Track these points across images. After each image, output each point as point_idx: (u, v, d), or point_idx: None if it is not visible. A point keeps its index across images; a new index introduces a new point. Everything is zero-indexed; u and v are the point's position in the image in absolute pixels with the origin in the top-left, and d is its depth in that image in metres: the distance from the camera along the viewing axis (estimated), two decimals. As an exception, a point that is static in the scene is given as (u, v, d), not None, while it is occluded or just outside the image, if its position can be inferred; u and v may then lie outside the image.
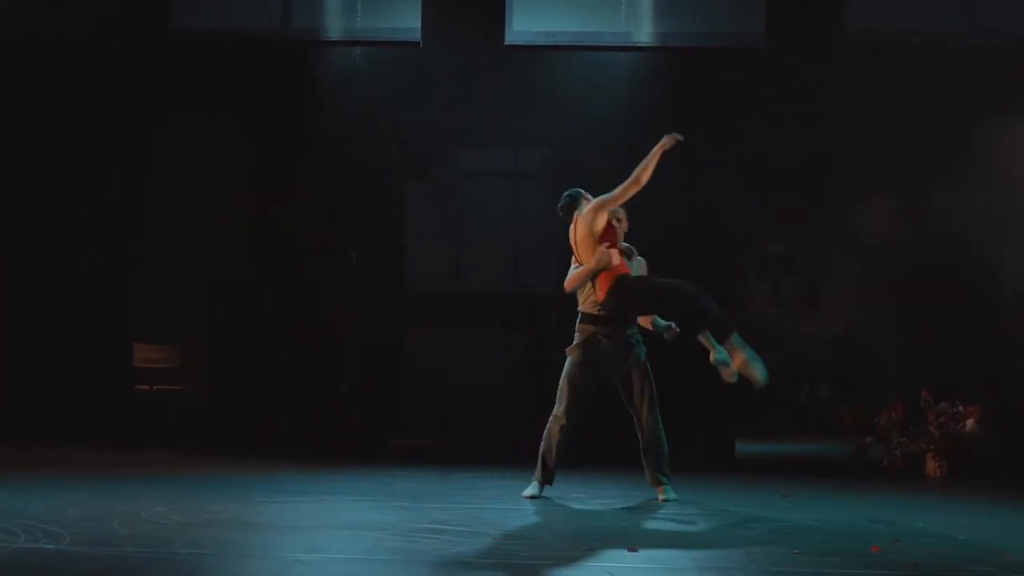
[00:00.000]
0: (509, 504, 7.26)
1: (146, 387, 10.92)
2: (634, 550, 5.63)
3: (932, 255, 10.31)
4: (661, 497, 7.39)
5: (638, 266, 7.53)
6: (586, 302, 7.42)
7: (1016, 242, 10.07)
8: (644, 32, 9.86)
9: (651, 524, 6.61)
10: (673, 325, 7.40)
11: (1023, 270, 9.90)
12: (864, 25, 9.70)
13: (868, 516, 7.03)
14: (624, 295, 7.06)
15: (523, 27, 9.77)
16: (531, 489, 7.41)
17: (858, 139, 10.63)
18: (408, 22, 9.82)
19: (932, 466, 9.54)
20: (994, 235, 10.12)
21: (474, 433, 10.73)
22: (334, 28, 9.99)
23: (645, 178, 7.09)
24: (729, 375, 6.96)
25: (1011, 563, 5.62)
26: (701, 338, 6.99)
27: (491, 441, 10.57)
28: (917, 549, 5.92)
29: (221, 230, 10.83)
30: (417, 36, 9.83)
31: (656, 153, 7.10)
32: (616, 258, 7.12)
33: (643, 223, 9.98)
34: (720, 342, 6.93)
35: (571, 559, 5.49)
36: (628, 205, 7.31)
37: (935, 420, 9.46)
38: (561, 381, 7.42)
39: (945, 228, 10.11)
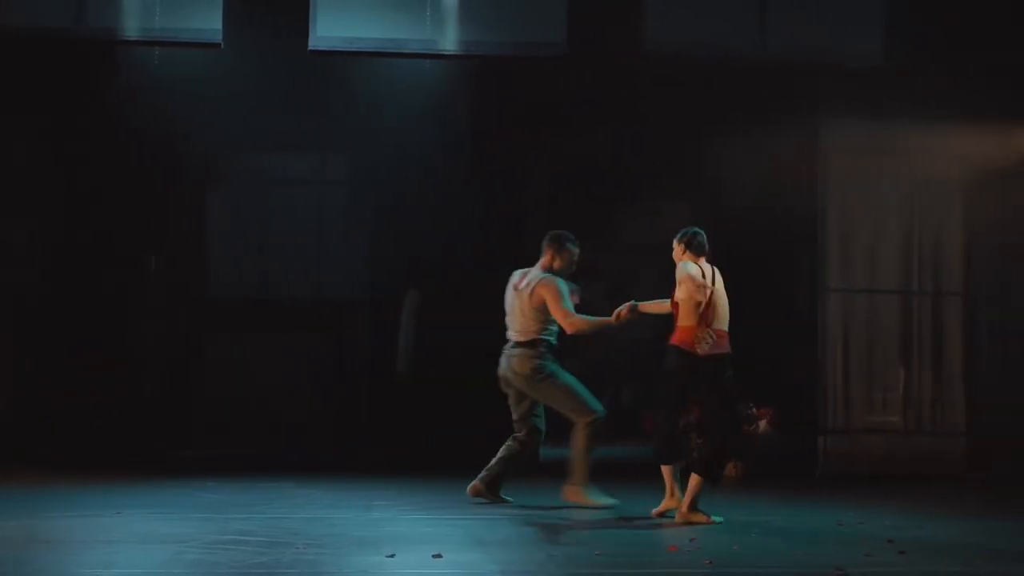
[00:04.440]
0: (313, 513, 7.19)
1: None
2: (439, 556, 5.65)
3: (725, 262, 10.62)
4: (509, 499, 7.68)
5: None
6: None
7: (799, 250, 10.48)
8: (449, 40, 9.88)
9: (455, 529, 6.63)
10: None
11: (807, 276, 10.31)
12: (662, 37, 9.94)
13: (667, 516, 7.21)
14: None
15: (327, 32, 9.67)
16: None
17: (660, 148, 10.88)
18: (209, 23, 9.60)
19: (728, 466, 9.85)
20: (782, 243, 10.50)
21: (278, 440, 10.59)
22: (131, 27, 9.68)
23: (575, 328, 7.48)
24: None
25: (803, 560, 5.85)
26: None
27: (296, 448, 10.45)
28: (713, 547, 6.10)
29: (14, 236, 10.37)
30: (218, 38, 9.62)
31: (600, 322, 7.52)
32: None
33: (446, 231, 10.09)
34: None
35: (376, 566, 5.47)
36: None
37: (730, 422, 9.76)
38: (571, 393, 7.71)
39: (734, 236, 10.43)
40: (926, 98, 9.94)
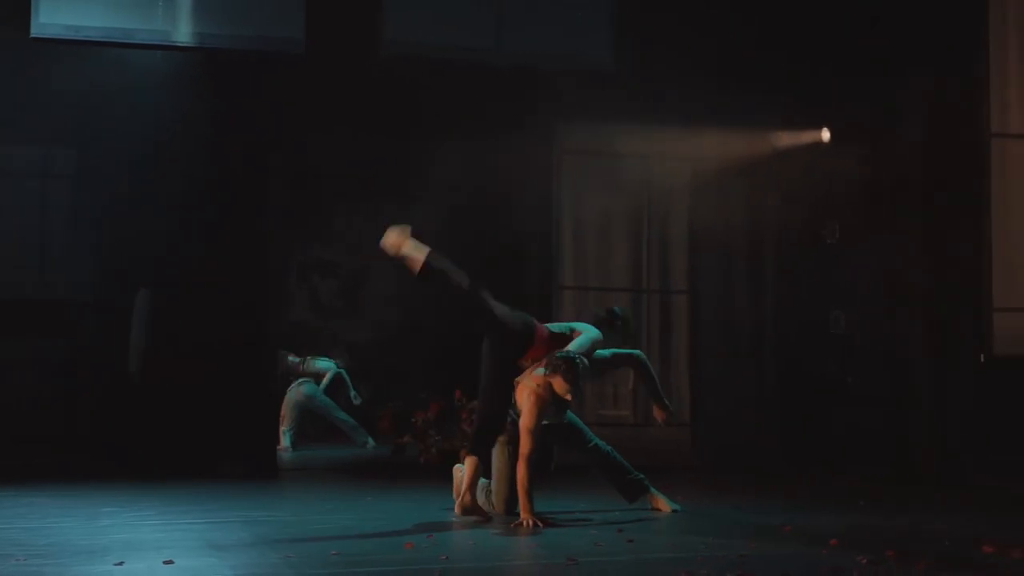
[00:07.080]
0: (36, 522, 6.88)
1: None
2: (170, 562, 5.50)
3: (464, 262, 10.75)
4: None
5: None
6: None
7: (534, 249, 10.69)
8: (182, 32, 9.64)
9: (187, 535, 6.47)
10: None
11: (541, 275, 10.56)
12: (399, 38, 9.98)
13: (405, 514, 7.24)
14: None
15: (50, 19, 9.26)
16: None
17: (397, 148, 10.90)
18: (-81, 6, 9.07)
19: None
20: (517, 242, 10.69)
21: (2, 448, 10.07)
22: None
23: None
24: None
25: (538, 552, 5.97)
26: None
27: (18, 456, 9.95)
28: (450, 543, 6.18)
29: None
30: (-68, 22, 9.10)
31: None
32: None
33: (179, 228, 9.82)
34: None
35: (102, 574, 5.29)
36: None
37: (468, 417, 9.89)
38: None
39: (471, 237, 10.55)
40: (655, 103, 10.32)
